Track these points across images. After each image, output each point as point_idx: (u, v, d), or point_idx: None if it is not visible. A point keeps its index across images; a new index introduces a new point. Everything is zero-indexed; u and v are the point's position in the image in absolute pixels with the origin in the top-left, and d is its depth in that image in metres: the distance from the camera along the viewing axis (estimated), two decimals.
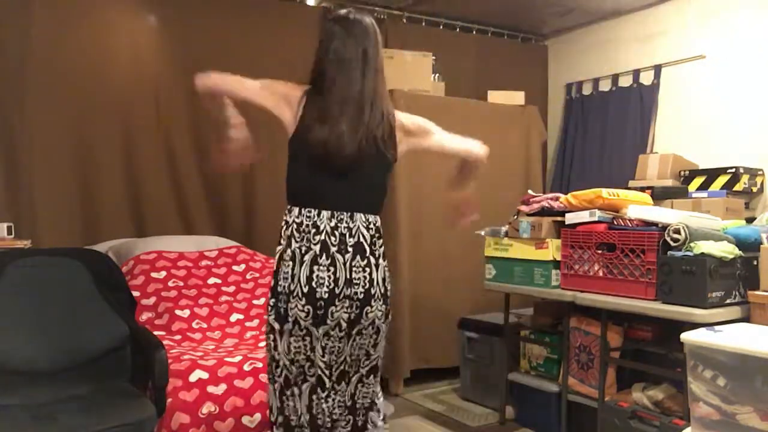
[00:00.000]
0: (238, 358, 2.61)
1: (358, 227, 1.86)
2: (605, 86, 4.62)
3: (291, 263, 1.82)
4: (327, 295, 1.81)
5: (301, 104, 1.85)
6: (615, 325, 2.93)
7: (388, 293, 1.94)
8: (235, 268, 3.37)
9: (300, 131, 1.84)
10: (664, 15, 4.22)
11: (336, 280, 1.81)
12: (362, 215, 1.87)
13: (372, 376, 1.98)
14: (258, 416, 2.51)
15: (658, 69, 4.25)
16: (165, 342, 2.49)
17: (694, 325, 2.30)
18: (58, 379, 2.37)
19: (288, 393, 1.89)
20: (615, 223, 2.86)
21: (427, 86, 4.05)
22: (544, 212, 3.16)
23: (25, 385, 2.31)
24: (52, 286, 2.55)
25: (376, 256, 1.89)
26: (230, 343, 2.91)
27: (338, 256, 1.83)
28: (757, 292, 2.48)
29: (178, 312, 2.98)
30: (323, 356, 1.86)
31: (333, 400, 1.91)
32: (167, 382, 2.30)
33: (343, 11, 1.90)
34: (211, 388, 2.45)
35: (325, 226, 1.83)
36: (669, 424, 2.51)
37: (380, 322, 1.91)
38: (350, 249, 1.84)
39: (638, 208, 2.82)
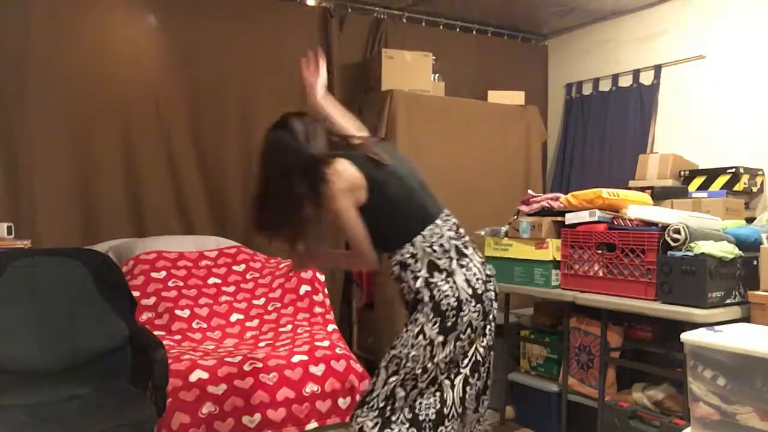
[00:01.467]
0: (238, 358, 2.61)
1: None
2: (605, 86, 4.61)
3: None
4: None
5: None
6: (615, 325, 2.93)
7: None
8: (235, 268, 3.37)
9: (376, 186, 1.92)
10: (664, 15, 4.22)
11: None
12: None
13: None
14: (258, 416, 2.51)
15: (658, 69, 4.25)
16: (165, 342, 2.49)
17: (694, 325, 2.29)
18: (58, 379, 2.37)
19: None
20: (615, 223, 2.86)
21: (427, 86, 4.05)
22: (544, 212, 3.16)
23: (25, 385, 2.31)
24: (52, 286, 2.55)
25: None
26: (230, 343, 2.92)
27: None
28: (757, 292, 2.48)
29: (178, 312, 2.98)
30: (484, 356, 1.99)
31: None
32: (167, 382, 2.30)
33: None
34: (211, 388, 2.45)
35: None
36: (669, 424, 2.52)
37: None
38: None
39: (638, 208, 2.82)
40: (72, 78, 3.37)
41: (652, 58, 4.29)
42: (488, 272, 2.00)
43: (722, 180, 3.55)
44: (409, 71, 4.00)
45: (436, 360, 1.87)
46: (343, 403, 2.71)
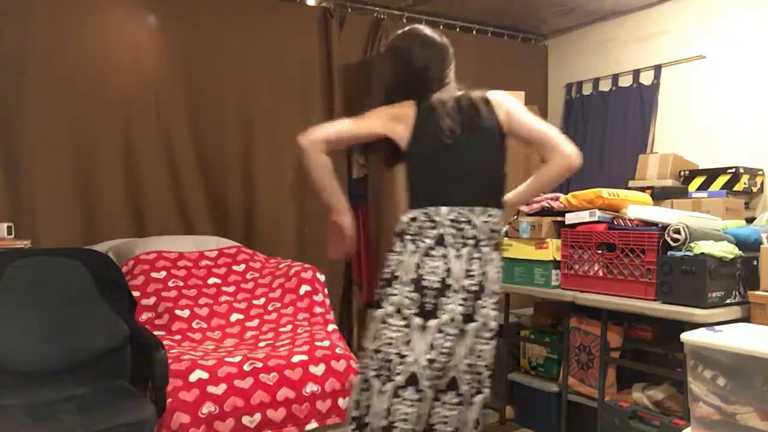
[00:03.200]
0: (238, 358, 2.61)
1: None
2: (605, 86, 4.62)
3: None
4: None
5: None
6: (615, 325, 2.93)
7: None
8: (235, 268, 3.36)
9: None
10: (664, 15, 4.22)
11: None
12: None
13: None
14: (258, 416, 2.51)
15: (658, 69, 4.25)
16: (165, 342, 2.49)
17: (694, 325, 2.29)
18: (58, 379, 2.37)
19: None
20: (615, 223, 2.86)
21: None
22: (544, 212, 3.16)
23: (25, 385, 2.31)
24: (52, 286, 2.55)
25: None
26: (230, 343, 2.91)
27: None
28: (757, 292, 2.48)
29: (178, 312, 2.98)
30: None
31: (430, 409, 1.85)
32: (167, 382, 2.30)
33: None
34: (211, 388, 2.45)
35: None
36: (669, 424, 2.51)
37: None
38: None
39: (638, 208, 2.82)
40: (72, 78, 3.36)
41: (652, 58, 4.29)
42: (472, 284, 1.83)
43: (722, 180, 3.55)
44: None
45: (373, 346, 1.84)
46: (343, 403, 2.71)
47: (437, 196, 1.84)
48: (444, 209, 1.82)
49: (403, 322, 1.79)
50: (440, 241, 1.81)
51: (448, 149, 1.84)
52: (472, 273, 1.82)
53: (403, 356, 1.78)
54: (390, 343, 1.79)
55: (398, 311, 1.79)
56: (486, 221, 1.86)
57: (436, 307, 1.79)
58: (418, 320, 1.79)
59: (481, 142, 1.89)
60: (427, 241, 1.81)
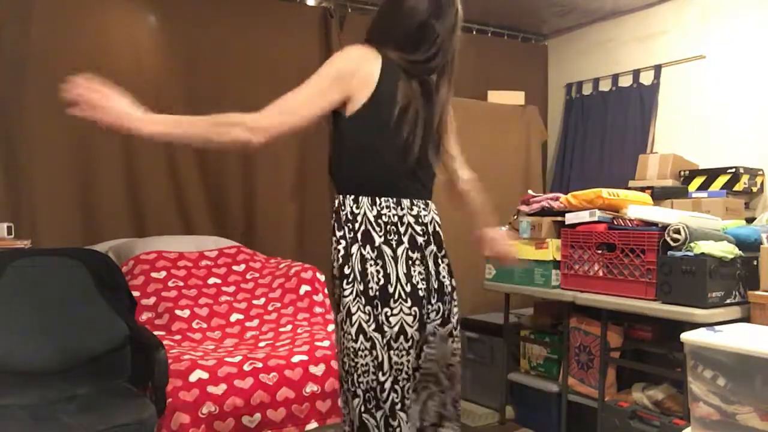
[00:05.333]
0: (238, 358, 2.61)
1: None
2: (605, 86, 4.61)
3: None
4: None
5: None
6: (615, 325, 2.93)
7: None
8: (235, 268, 3.37)
9: None
10: (664, 15, 4.22)
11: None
12: None
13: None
14: (258, 416, 2.51)
15: (658, 69, 4.25)
16: (165, 342, 2.49)
17: (694, 325, 2.30)
18: (58, 379, 2.37)
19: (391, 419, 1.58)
20: (615, 223, 2.86)
21: None
22: (544, 212, 3.16)
23: (25, 385, 2.31)
24: (52, 286, 2.55)
25: None
26: (230, 343, 2.91)
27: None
28: (757, 292, 2.48)
29: (178, 312, 2.98)
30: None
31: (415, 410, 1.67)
32: (167, 382, 2.30)
33: None
34: (211, 388, 2.45)
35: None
36: (669, 424, 2.52)
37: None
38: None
39: (638, 208, 2.82)
40: (72, 78, 3.36)
41: (652, 58, 4.29)
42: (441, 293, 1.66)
43: (722, 180, 3.55)
44: None
45: (385, 369, 1.55)
46: None
47: (390, 187, 1.66)
48: (403, 204, 1.67)
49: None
50: (415, 244, 1.67)
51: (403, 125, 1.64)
52: None
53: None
54: None
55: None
56: None
57: None
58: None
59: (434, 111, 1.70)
60: (405, 243, 1.67)
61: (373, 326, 1.56)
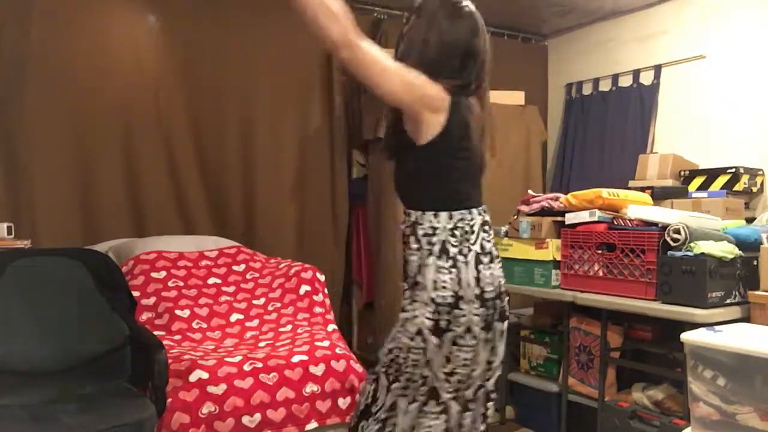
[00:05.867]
0: (238, 358, 2.61)
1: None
2: (605, 86, 4.61)
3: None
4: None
5: None
6: (615, 325, 2.93)
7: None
8: (235, 268, 3.36)
9: None
10: (664, 15, 4.22)
11: None
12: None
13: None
14: (258, 416, 2.51)
15: (658, 69, 4.25)
16: (165, 342, 2.49)
17: (694, 325, 2.30)
18: (58, 379, 2.37)
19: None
20: (615, 223, 2.86)
21: None
22: (544, 212, 3.16)
23: (25, 385, 2.31)
24: (52, 286, 2.55)
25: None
26: (230, 343, 2.91)
27: None
28: (757, 292, 2.48)
29: (178, 312, 2.98)
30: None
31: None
32: (167, 382, 2.30)
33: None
34: (211, 388, 2.45)
35: None
36: (669, 424, 2.52)
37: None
38: None
39: (638, 208, 2.82)
40: (72, 78, 3.36)
41: (652, 58, 4.29)
42: (503, 289, 1.81)
43: (722, 180, 3.55)
44: None
45: (434, 369, 1.68)
46: (343, 403, 2.71)
47: (464, 200, 1.78)
48: (473, 212, 1.80)
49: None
50: (484, 249, 1.79)
51: (470, 149, 1.80)
52: None
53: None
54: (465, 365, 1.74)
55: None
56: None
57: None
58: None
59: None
60: (476, 249, 1.76)
61: (432, 329, 1.68)
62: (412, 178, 1.78)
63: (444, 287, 1.67)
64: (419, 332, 1.68)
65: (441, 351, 1.68)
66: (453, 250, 1.70)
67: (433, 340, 1.67)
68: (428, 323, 1.67)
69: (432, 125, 1.67)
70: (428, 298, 1.68)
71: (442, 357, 1.68)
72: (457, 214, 1.72)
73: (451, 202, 1.74)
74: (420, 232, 1.73)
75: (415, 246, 1.73)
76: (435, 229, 1.72)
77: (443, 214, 1.72)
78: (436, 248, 1.70)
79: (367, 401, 1.82)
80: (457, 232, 1.71)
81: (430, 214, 1.73)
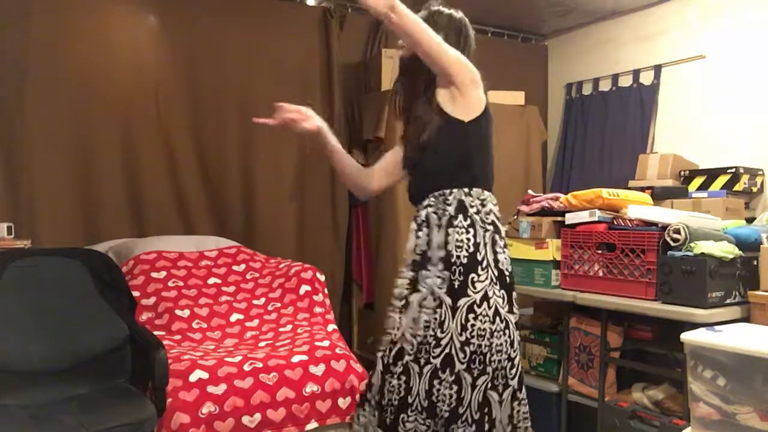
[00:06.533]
0: (238, 358, 2.61)
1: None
2: (605, 86, 4.61)
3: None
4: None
5: None
6: (615, 325, 2.93)
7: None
8: (235, 268, 3.37)
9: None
10: (664, 15, 4.22)
11: None
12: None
13: None
14: (258, 416, 2.51)
15: (658, 69, 4.25)
16: (165, 342, 2.49)
17: (694, 325, 2.30)
18: (58, 379, 2.37)
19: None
20: (615, 223, 2.86)
21: None
22: (544, 212, 3.16)
23: (25, 385, 2.31)
24: (52, 286, 2.55)
25: None
26: (230, 343, 2.91)
27: None
28: (757, 292, 2.48)
29: (178, 312, 2.98)
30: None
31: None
32: (167, 382, 2.30)
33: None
34: (211, 388, 2.45)
35: None
36: (669, 424, 2.52)
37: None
38: None
39: (638, 208, 2.82)
40: (72, 78, 3.37)
41: (652, 58, 4.29)
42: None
43: (722, 180, 3.55)
44: None
45: (515, 346, 1.80)
46: (343, 403, 2.71)
47: (489, 182, 1.90)
48: (492, 195, 1.91)
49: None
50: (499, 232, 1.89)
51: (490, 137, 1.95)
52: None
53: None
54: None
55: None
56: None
57: None
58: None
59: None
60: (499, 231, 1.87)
61: (506, 308, 1.81)
62: (460, 156, 1.81)
63: (506, 261, 1.79)
64: (496, 312, 1.76)
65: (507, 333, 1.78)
66: (503, 229, 1.82)
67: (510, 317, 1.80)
68: (500, 301, 1.76)
69: (476, 102, 1.79)
70: (493, 275, 1.74)
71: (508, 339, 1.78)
72: (487, 195, 1.83)
73: (491, 181, 1.85)
74: (471, 210, 1.78)
75: (466, 223, 1.76)
76: (484, 203, 1.80)
77: (487, 193, 1.83)
78: (490, 226, 1.79)
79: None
80: (496, 209, 1.83)
81: (477, 190, 1.80)
